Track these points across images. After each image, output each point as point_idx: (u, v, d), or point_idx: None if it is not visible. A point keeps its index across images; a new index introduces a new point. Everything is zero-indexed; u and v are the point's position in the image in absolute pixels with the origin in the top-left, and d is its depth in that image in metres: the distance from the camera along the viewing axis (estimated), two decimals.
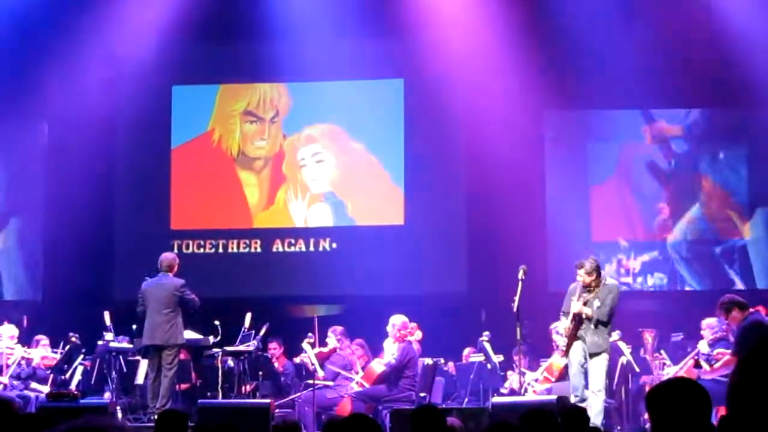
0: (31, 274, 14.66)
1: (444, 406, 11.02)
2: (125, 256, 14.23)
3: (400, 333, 11.24)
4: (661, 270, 14.16)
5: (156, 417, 7.69)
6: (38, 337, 11.96)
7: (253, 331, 11.48)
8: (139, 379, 11.44)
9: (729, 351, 9.89)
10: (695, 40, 13.35)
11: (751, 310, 9.82)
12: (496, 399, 10.16)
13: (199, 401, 10.43)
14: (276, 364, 12.34)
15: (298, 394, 11.71)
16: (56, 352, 11.73)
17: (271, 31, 13.99)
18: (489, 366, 11.47)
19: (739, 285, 13.85)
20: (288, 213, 14.65)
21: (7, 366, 11.37)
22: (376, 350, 11.99)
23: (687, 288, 14.05)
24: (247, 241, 14.49)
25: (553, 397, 9.52)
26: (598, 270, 9.69)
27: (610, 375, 10.96)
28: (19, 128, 14.72)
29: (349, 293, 14.00)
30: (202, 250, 14.31)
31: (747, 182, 14.16)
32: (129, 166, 14.68)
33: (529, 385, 11.14)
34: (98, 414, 9.29)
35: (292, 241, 14.46)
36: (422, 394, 11.06)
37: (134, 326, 11.42)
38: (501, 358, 11.52)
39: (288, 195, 14.65)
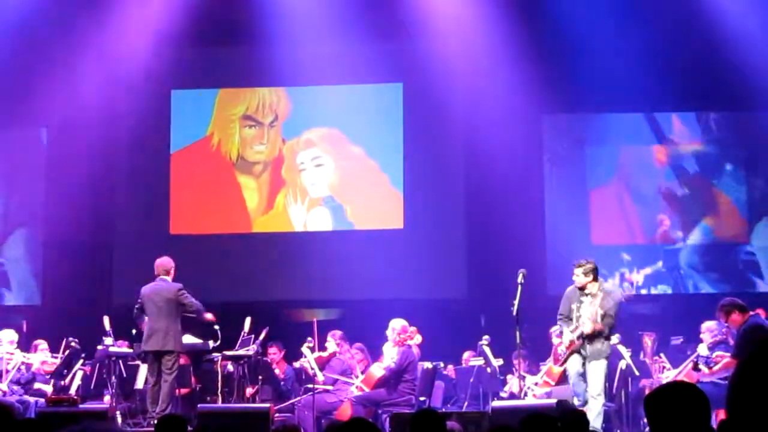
0: (31, 278, 14.64)
1: (444, 410, 11.03)
2: (124, 261, 14.22)
3: (400, 337, 11.23)
4: (665, 282, 14.14)
5: (155, 422, 7.68)
6: (37, 342, 11.94)
7: (253, 336, 11.47)
8: (139, 383, 11.44)
9: (728, 354, 9.90)
10: (695, 43, 13.35)
11: (751, 312, 9.82)
12: (495, 403, 10.15)
13: (198, 406, 10.42)
14: (277, 371, 12.33)
15: (298, 398, 11.71)
16: (56, 357, 11.72)
17: (270, 35, 13.99)
18: (489, 370, 11.46)
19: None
20: (287, 217, 14.65)
21: (7, 371, 11.35)
22: (375, 354, 11.99)
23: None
24: (247, 246, 14.48)
25: (553, 401, 9.51)
26: (595, 273, 9.71)
27: (609, 378, 10.96)
28: (19, 134, 14.72)
29: (349, 297, 14.00)
30: (201, 254, 14.29)
31: (750, 187, 14.16)
32: (128, 171, 14.67)
33: (529, 389, 11.13)
34: (98, 419, 9.32)
35: (292, 245, 14.44)
36: (422, 398, 11.06)
37: (134, 331, 11.42)
38: (501, 362, 11.51)
39: (287, 199, 14.65)
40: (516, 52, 13.36)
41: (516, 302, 9.81)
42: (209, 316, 10.86)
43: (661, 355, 11.25)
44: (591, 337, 9.52)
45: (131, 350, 11.53)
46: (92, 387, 11.81)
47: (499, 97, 13.56)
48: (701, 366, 10.07)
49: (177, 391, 10.86)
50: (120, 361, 11.49)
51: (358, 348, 12.34)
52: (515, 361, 10.62)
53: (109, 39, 13.91)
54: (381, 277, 13.90)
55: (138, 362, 11.46)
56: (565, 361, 9.69)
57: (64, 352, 11.69)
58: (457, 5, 13.78)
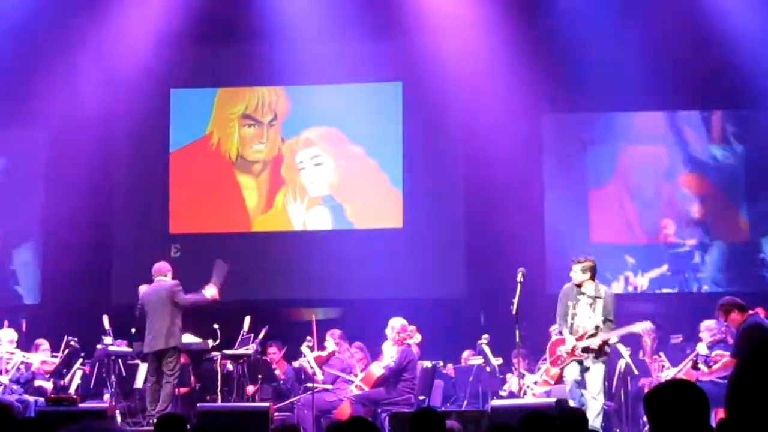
0: (31, 277, 14.64)
1: (443, 409, 11.03)
2: (124, 260, 14.22)
3: (399, 336, 11.23)
4: (669, 285, 14.13)
5: (155, 421, 7.68)
6: (39, 341, 11.94)
7: (252, 335, 11.48)
8: (138, 382, 11.45)
9: (728, 353, 9.89)
10: (695, 42, 13.35)
11: (750, 311, 9.82)
12: (495, 402, 10.16)
13: (198, 405, 10.42)
14: (277, 371, 12.33)
15: (298, 397, 11.71)
16: (55, 357, 11.71)
17: (269, 34, 13.99)
18: (488, 369, 11.45)
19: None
20: (287, 216, 14.65)
21: (7, 370, 11.35)
22: (375, 353, 11.98)
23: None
24: (246, 245, 14.47)
25: (552, 399, 9.51)
26: (593, 271, 9.71)
27: (609, 377, 10.95)
28: (19, 134, 14.71)
29: (348, 296, 14.00)
30: (200, 253, 14.29)
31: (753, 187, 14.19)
32: (128, 170, 14.67)
33: (529, 388, 11.12)
34: (97, 418, 9.32)
35: (291, 244, 14.44)
36: (421, 397, 11.06)
37: (133, 330, 11.41)
38: (500, 360, 11.51)
39: (287, 198, 14.64)
40: (516, 51, 13.36)
41: (515, 301, 9.81)
42: (209, 294, 10.75)
43: (661, 353, 11.25)
44: (591, 337, 9.54)
45: (130, 349, 11.52)
46: (92, 386, 11.81)
47: (499, 97, 13.56)
48: (700, 365, 10.06)
49: (176, 390, 10.86)
50: (119, 360, 11.50)
51: (357, 347, 12.34)
52: (514, 360, 10.62)
53: (109, 38, 13.91)
54: (380, 276, 13.90)
55: (137, 361, 11.46)
56: (565, 365, 9.67)
57: (63, 352, 11.69)
58: (456, 4, 13.78)
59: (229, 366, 11.55)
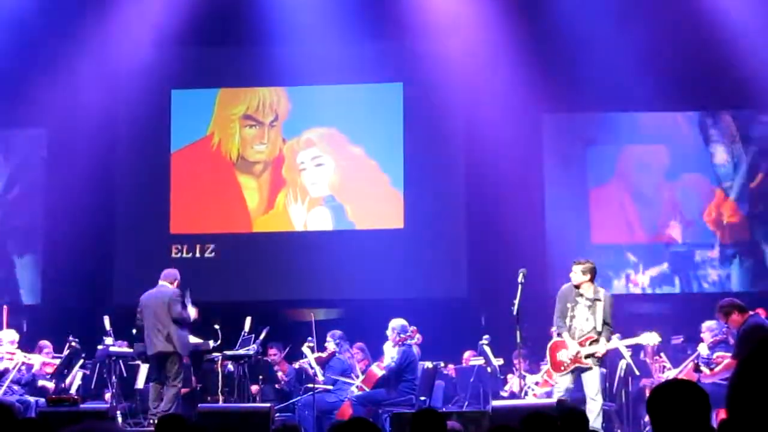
0: (31, 278, 14.65)
1: (444, 409, 11.02)
2: (125, 261, 14.23)
3: (400, 336, 11.23)
4: (670, 283, 14.14)
5: (156, 421, 7.68)
6: (42, 343, 11.94)
7: (253, 335, 11.48)
8: (139, 383, 11.45)
9: (729, 354, 9.89)
10: (696, 41, 13.35)
11: (751, 312, 9.82)
12: (496, 402, 10.13)
13: (199, 405, 10.42)
14: (280, 373, 12.33)
15: (299, 398, 11.71)
16: (57, 358, 11.71)
17: (270, 35, 14.00)
18: (489, 369, 11.46)
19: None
20: (288, 217, 14.65)
21: (8, 371, 11.34)
22: (376, 354, 11.99)
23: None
24: (247, 245, 14.48)
25: (553, 400, 9.50)
26: (593, 274, 9.71)
27: (610, 378, 10.97)
28: (19, 134, 14.72)
29: (349, 297, 14.00)
30: (201, 254, 14.30)
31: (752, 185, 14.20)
32: (129, 171, 14.67)
33: (530, 389, 11.12)
34: (98, 419, 9.31)
35: (292, 245, 14.44)
36: (422, 398, 11.05)
37: (134, 331, 11.40)
38: (501, 361, 11.51)
39: (288, 199, 14.65)
40: (516, 51, 13.37)
41: (516, 301, 9.80)
42: (192, 315, 10.75)
43: (662, 354, 11.25)
44: (593, 343, 9.55)
45: (131, 350, 11.53)
46: (92, 387, 11.81)
47: (500, 97, 13.57)
48: (702, 367, 10.06)
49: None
50: (120, 361, 11.50)
51: (358, 348, 12.35)
52: (515, 361, 10.62)
53: (109, 39, 13.92)
54: (381, 277, 13.91)
55: (138, 362, 11.46)
56: (568, 371, 9.66)
57: (65, 352, 11.69)
58: (457, 4, 13.79)
59: (230, 366, 11.55)
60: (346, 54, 14.22)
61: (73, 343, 11.67)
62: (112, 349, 11.47)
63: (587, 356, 9.54)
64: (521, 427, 5.03)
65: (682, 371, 10.39)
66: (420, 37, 14.01)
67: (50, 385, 11.50)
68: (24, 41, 13.69)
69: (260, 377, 11.70)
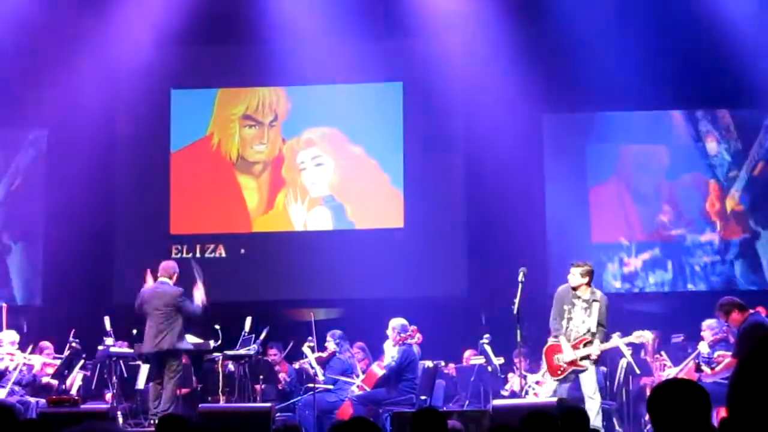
0: (31, 279, 14.64)
1: (445, 408, 11.03)
2: (125, 261, 14.22)
3: (400, 336, 11.23)
4: (662, 267, 14.15)
5: (156, 421, 7.68)
6: (44, 344, 11.94)
7: (254, 335, 11.48)
8: (140, 383, 11.44)
9: (729, 353, 9.90)
10: (695, 41, 13.35)
11: (751, 311, 9.82)
12: (496, 401, 10.13)
13: (200, 405, 10.42)
14: (281, 374, 12.33)
15: (299, 397, 11.71)
16: (57, 358, 11.71)
17: (269, 34, 13.99)
18: (489, 368, 11.46)
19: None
20: (287, 217, 14.65)
21: (9, 371, 11.35)
22: (376, 353, 11.99)
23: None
24: (247, 245, 14.48)
25: (554, 399, 9.51)
26: (590, 276, 9.73)
27: (610, 376, 10.98)
28: (18, 134, 14.72)
29: (349, 296, 14.00)
30: (201, 254, 14.30)
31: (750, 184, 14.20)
32: (128, 171, 14.67)
33: (530, 388, 11.13)
34: (99, 419, 9.31)
35: (292, 244, 14.44)
36: (423, 397, 11.05)
37: (134, 331, 11.41)
38: (501, 360, 11.52)
39: (287, 199, 14.65)
40: (516, 50, 13.36)
41: (517, 300, 9.81)
42: (200, 302, 10.70)
43: (662, 353, 11.25)
44: (587, 345, 9.57)
45: (132, 350, 11.53)
46: (93, 387, 11.81)
47: (500, 96, 13.56)
48: (703, 367, 10.06)
49: (178, 390, 10.87)
50: (121, 362, 11.50)
51: (359, 347, 12.35)
52: (516, 360, 10.62)
53: (109, 38, 13.92)
54: (381, 276, 13.91)
55: (139, 362, 11.45)
56: (566, 375, 9.66)
57: (66, 353, 11.69)
58: (457, 4, 13.78)
59: (231, 366, 11.55)
60: (345, 54, 14.21)
61: (74, 344, 11.67)
62: (112, 349, 11.47)
63: (582, 358, 9.56)
64: (522, 426, 5.03)
65: (683, 369, 10.40)
66: (420, 37, 14.02)
67: (54, 382, 11.49)
68: (24, 41, 13.69)
69: (261, 377, 11.70)
